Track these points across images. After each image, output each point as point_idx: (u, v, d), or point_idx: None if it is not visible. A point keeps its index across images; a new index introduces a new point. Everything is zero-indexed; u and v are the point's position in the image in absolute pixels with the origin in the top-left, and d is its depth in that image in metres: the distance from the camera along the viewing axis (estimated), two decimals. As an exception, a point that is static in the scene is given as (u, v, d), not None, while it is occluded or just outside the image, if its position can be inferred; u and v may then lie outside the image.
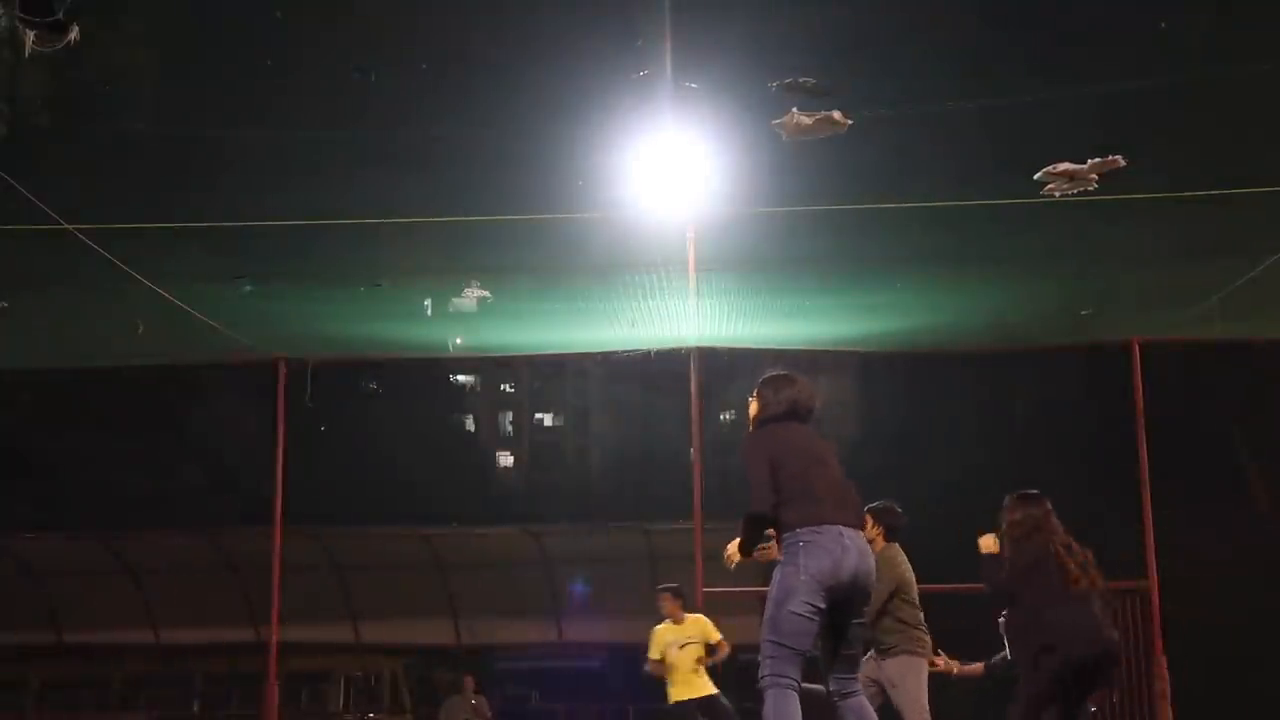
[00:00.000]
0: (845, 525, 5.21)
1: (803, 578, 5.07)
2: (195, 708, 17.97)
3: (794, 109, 6.77)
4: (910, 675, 7.65)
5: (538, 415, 54.76)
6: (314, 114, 7.13)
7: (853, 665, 5.32)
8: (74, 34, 6.01)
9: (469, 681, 16.30)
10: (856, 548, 5.18)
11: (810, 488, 5.26)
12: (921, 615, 7.84)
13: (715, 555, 11.97)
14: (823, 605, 5.06)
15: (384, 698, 18.31)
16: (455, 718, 15.92)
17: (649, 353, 11.55)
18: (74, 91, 6.83)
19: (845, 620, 5.21)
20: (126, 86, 6.85)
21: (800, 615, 5.06)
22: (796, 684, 5.10)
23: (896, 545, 7.99)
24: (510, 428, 54.15)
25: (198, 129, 7.13)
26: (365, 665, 18.43)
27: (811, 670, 5.29)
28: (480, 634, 18.86)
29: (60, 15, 5.96)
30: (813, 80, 6.55)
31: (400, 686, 18.42)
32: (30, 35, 6.00)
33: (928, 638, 7.85)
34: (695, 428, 11.84)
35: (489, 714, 16.04)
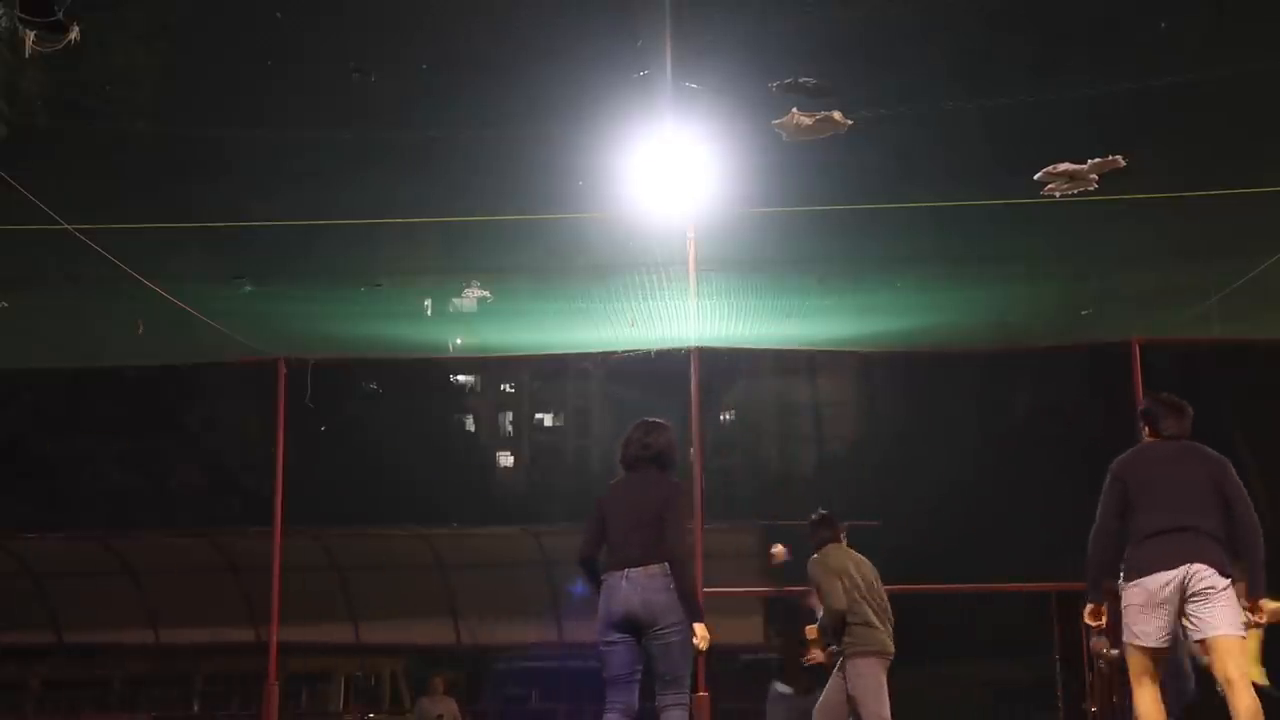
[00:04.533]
0: (628, 566, 6.14)
1: (597, 623, 6.25)
2: (195, 708, 17.96)
3: (794, 109, 6.77)
4: (865, 674, 7.76)
5: (538, 415, 54.74)
6: (314, 114, 7.13)
7: (664, 685, 6.15)
8: (74, 34, 6.02)
9: (438, 683, 16.32)
10: (628, 585, 6.11)
11: (610, 541, 6.28)
12: (855, 614, 7.89)
13: (715, 555, 12.01)
14: (613, 639, 6.16)
15: (384, 698, 18.32)
16: (426, 718, 15.96)
17: (649, 353, 11.54)
18: (74, 91, 6.83)
19: (650, 647, 6.12)
20: (126, 86, 6.85)
21: (601, 649, 6.24)
22: (614, 705, 6.19)
23: (838, 546, 8.18)
24: (510, 428, 54.13)
25: (198, 129, 7.13)
26: (365, 665, 18.42)
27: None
28: (480, 634, 18.84)
29: (60, 15, 5.97)
30: (813, 80, 6.55)
31: (400, 686, 18.42)
32: (30, 35, 6.00)
33: (866, 633, 7.86)
34: (695, 428, 11.83)
35: (459, 714, 16.06)
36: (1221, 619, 5.83)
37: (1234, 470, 6.10)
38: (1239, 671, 5.81)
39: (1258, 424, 20.59)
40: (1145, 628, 5.96)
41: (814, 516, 8.28)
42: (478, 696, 20.61)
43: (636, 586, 6.09)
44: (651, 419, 6.66)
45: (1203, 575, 5.85)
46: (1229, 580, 5.90)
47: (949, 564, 11.32)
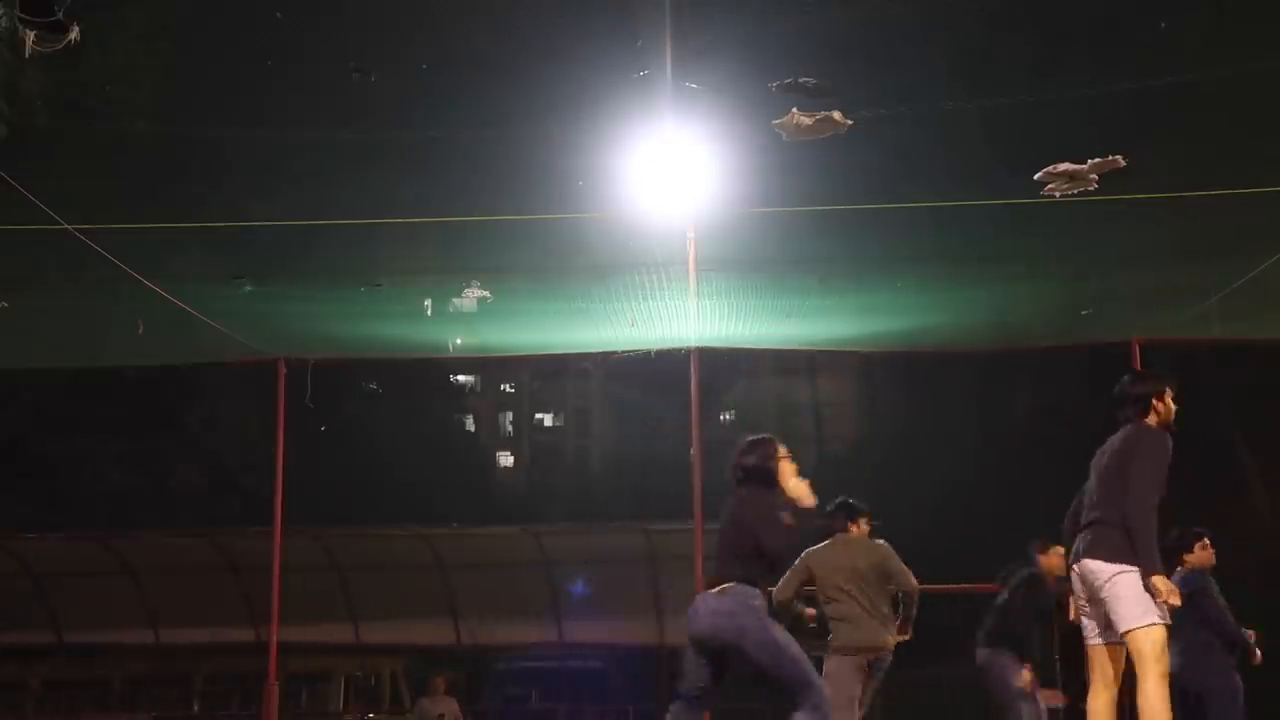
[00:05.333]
0: (706, 589, 6.06)
1: None
2: (195, 708, 17.94)
3: (794, 109, 6.77)
4: (831, 671, 7.85)
5: (538, 415, 54.74)
6: (314, 114, 7.13)
7: (784, 696, 5.89)
8: (74, 34, 6.02)
9: (439, 682, 16.31)
10: (702, 607, 5.97)
11: None
12: (833, 609, 7.99)
13: (715, 555, 12.02)
14: (690, 654, 6.05)
15: (384, 698, 18.30)
16: (427, 718, 15.95)
17: (649, 353, 11.54)
18: (74, 91, 6.83)
19: (729, 673, 6.05)
20: (126, 86, 6.85)
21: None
22: (673, 713, 6.10)
23: (844, 536, 8.24)
24: (510, 428, 54.13)
25: (198, 129, 7.14)
26: (365, 665, 18.41)
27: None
28: (480, 634, 18.82)
29: (60, 15, 5.97)
30: (813, 80, 6.56)
31: (400, 686, 18.40)
32: (30, 35, 6.00)
33: (842, 629, 7.93)
34: (695, 428, 11.84)
35: (460, 714, 16.05)
36: (1116, 619, 5.70)
37: (1143, 450, 5.88)
38: (1140, 671, 5.64)
39: (1258, 424, 20.58)
40: (1083, 625, 6.00)
41: (829, 506, 8.25)
42: (478, 696, 20.60)
43: (708, 608, 5.93)
44: (752, 436, 6.38)
45: (1090, 569, 5.78)
46: (1119, 568, 5.70)
47: (949, 564, 11.32)
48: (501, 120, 7.04)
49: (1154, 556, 5.65)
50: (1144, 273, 9.67)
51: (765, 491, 6.11)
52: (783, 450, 6.26)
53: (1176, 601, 5.66)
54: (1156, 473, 5.83)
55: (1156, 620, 5.65)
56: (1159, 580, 5.62)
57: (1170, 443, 6.01)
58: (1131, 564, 5.67)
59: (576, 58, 6.51)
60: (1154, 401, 6.15)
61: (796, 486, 6.10)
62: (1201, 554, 8.40)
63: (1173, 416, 6.18)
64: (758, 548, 5.91)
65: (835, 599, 7.97)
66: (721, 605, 5.88)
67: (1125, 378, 6.32)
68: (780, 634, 5.93)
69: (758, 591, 5.95)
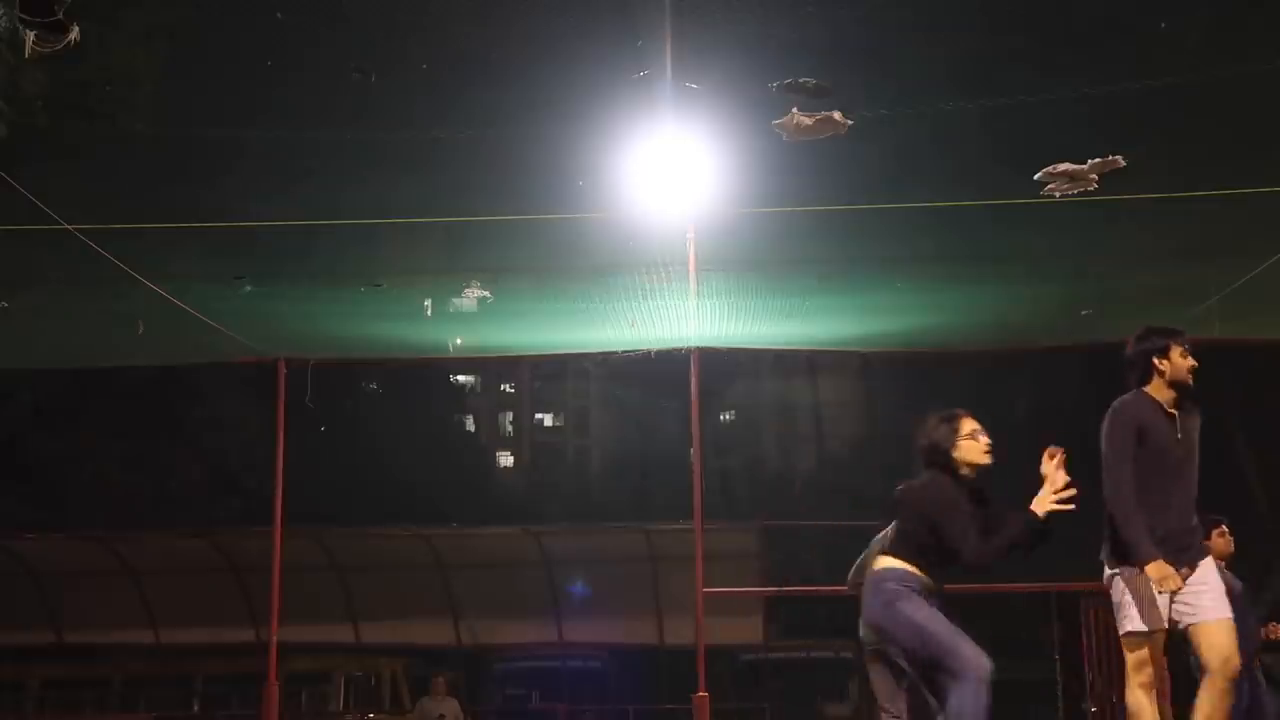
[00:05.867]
0: None
1: None
2: (195, 708, 17.95)
3: (794, 109, 6.77)
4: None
5: (538, 415, 54.82)
6: (314, 114, 7.13)
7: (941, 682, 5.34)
8: (74, 34, 6.02)
9: (440, 682, 16.33)
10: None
11: None
12: None
13: (715, 555, 12.02)
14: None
15: (384, 698, 18.31)
16: (428, 718, 15.96)
17: (649, 353, 11.54)
18: (74, 91, 6.83)
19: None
20: (126, 86, 6.85)
21: None
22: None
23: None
24: (510, 428, 54.19)
25: (198, 129, 7.14)
26: (365, 665, 18.43)
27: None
28: (480, 634, 18.85)
29: (60, 15, 5.97)
30: (813, 80, 6.56)
31: (400, 686, 18.41)
32: (30, 35, 6.01)
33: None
34: (695, 428, 11.84)
35: (460, 714, 16.05)
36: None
37: (1105, 430, 5.47)
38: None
39: (1258, 424, 20.58)
40: None
41: None
42: (478, 696, 20.59)
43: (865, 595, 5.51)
44: (937, 413, 5.80)
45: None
46: (1111, 570, 5.42)
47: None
48: (502, 120, 7.04)
49: (1139, 545, 5.19)
50: (1144, 273, 9.67)
51: (942, 478, 5.53)
52: (968, 426, 5.64)
53: (1174, 585, 5.19)
54: (1119, 450, 5.35)
55: (1134, 629, 5.36)
56: (1152, 568, 5.15)
57: (1141, 405, 5.49)
58: (1117, 564, 5.40)
59: (576, 58, 6.51)
60: (1155, 361, 5.58)
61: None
62: (1219, 541, 8.07)
63: (1186, 374, 5.57)
64: (927, 533, 5.41)
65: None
66: (867, 592, 5.44)
67: (1131, 338, 5.76)
68: (918, 611, 5.28)
69: (905, 572, 5.34)
